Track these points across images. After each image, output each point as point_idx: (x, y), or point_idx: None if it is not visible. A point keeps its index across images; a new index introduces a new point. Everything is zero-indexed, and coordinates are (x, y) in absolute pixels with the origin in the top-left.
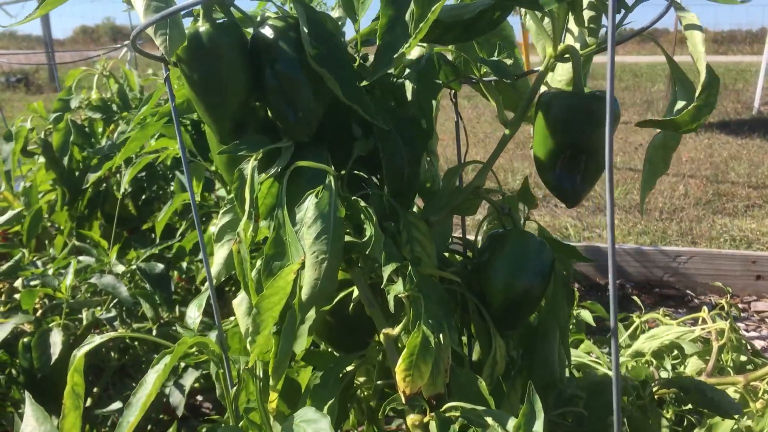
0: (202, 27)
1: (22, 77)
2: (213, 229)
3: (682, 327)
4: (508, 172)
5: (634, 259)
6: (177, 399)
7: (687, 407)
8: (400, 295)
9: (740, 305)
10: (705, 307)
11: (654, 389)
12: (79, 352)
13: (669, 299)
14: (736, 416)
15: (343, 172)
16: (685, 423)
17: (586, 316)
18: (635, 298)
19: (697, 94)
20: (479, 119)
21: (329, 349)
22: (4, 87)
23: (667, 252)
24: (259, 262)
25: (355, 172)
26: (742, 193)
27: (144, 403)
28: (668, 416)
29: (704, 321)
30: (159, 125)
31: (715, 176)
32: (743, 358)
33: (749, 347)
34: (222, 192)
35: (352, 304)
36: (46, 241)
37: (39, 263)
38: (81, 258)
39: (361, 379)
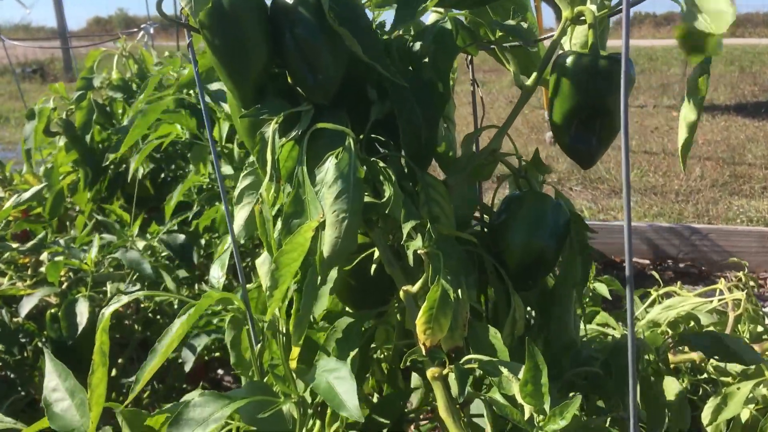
0: None
1: (37, 68)
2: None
3: (699, 298)
4: (522, 155)
5: (650, 237)
6: (188, 357)
7: (703, 376)
8: (419, 251)
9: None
10: (722, 279)
11: (669, 351)
12: (107, 311)
13: (686, 276)
14: (751, 382)
15: (361, 135)
16: (701, 392)
17: (602, 289)
18: (654, 273)
19: None
20: (493, 105)
21: (348, 310)
22: (20, 78)
23: (683, 229)
24: (279, 222)
25: (374, 136)
26: (759, 174)
27: (166, 348)
28: (684, 385)
29: (721, 293)
30: (158, 112)
31: (732, 158)
32: (760, 328)
33: (766, 319)
34: (226, 170)
35: (373, 266)
36: (67, 223)
37: (62, 242)
38: (103, 235)
39: (380, 342)
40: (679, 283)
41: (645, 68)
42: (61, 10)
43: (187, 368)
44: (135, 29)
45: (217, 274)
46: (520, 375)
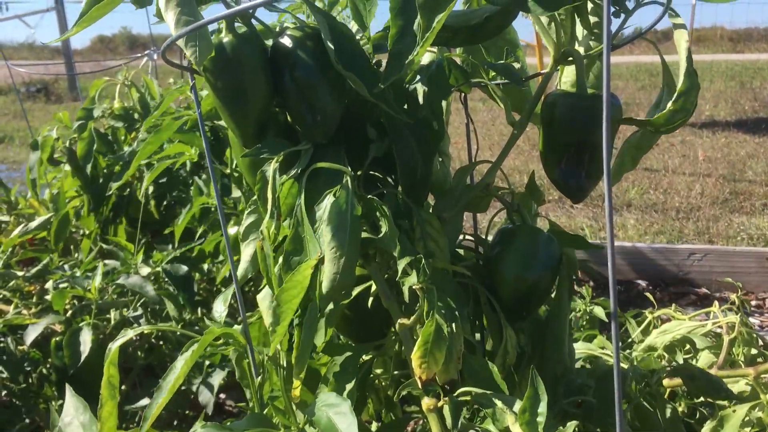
0: (226, 38)
1: (41, 87)
2: (232, 230)
3: (694, 322)
4: (524, 173)
5: (648, 257)
6: (206, 397)
7: (699, 400)
8: (414, 287)
9: (755, 302)
10: (716, 302)
11: (662, 377)
12: (114, 345)
13: (684, 296)
14: (746, 405)
15: (359, 172)
16: (698, 415)
17: (599, 312)
18: (648, 295)
19: (673, 98)
20: (494, 122)
21: (348, 342)
22: (24, 97)
23: (681, 250)
24: (281, 259)
25: (371, 172)
26: (759, 191)
27: (172, 386)
28: (680, 408)
29: (716, 315)
30: (173, 129)
31: (732, 175)
32: (754, 351)
33: (760, 341)
34: (236, 193)
35: (371, 299)
36: (72, 247)
37: (66, 267)
38: (107, 261)
39: (379, 371)
40: (674, 305)
41: (645, 84)
42: (66, 30)
43: (209, 410)
44: (139, 55)
45: (219, 308)
46: (515, 407)
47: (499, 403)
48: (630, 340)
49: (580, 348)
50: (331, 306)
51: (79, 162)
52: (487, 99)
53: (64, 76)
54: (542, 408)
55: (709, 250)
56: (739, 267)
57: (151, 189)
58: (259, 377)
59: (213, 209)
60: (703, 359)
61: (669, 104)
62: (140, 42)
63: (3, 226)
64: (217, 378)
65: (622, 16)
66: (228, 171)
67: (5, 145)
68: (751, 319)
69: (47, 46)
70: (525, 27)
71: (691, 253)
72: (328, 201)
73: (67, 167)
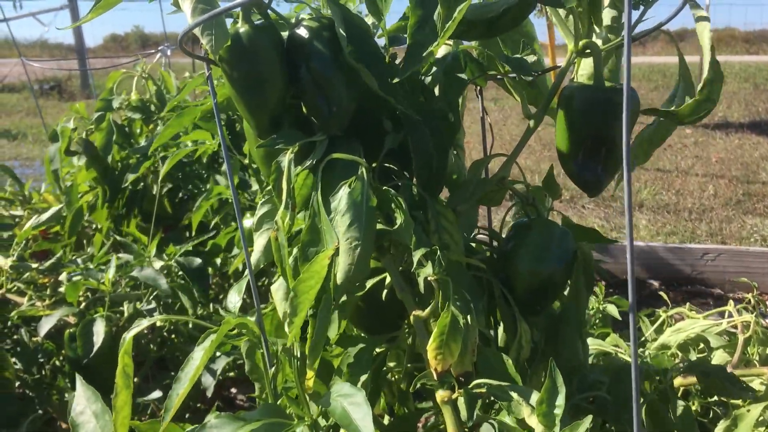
0: (242, 28)
1: (55, 84)
2: (247, 223)
3: (708, 321)
4: (535, 173)
5: (661, 257)
6: (208, 381)
7: (713, 399)
8: (429, 278)
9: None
10: (731, 301)
11: (676, 377)
12: (128, 335)
13: (697, 296)
14: (761, 405)
15: (374, 164)
16: (711, 415)
17: (612, 310)
18: (662, 294)
19: (699, 88)
20: (506, 122)
21: (361, 334)
22: (37, 94)
23: (694, 250)
24: (295, 250)
25: (386, 164)
26: None
27: (192, 377)
28: (694, 407)
29: (730, 315)
30: (194, 114)
31: (746, 176)
32: None
33: None
34: (254, 187)
35: (385, 291)
36: (84, 241)
37: (79, 261)
38: (121, 255)
39: (392, 364)
40: (688, 304)
41: (659, 84)
42: (79, 29)
43: (209, 393)
44: (152, 50)
45: (234, 299)
46: (532, 399)
47: (515, 395)
48: (643, 338)
49: (593, 345)
50: (345, 298)
51: (98, 152)
52: (498, 99)
53: (77, 75)
54: (560, 400)
55: (722, 250)
56: (753, 268)
57: (164, 185)
58: (272, 368)
59: (229, 200)
60: (717, 358)
61: (696, 94)
62: (152, 41)
63: (17, 220)
64: (221, 363)
65: (641, 8)
66: (246, 162)
67: (19, 142)
68: (766, 320)
69: (61, 45)
70: (536, 27)
71: (705, 253)
72: (343, 192)
73: (81, 161)
